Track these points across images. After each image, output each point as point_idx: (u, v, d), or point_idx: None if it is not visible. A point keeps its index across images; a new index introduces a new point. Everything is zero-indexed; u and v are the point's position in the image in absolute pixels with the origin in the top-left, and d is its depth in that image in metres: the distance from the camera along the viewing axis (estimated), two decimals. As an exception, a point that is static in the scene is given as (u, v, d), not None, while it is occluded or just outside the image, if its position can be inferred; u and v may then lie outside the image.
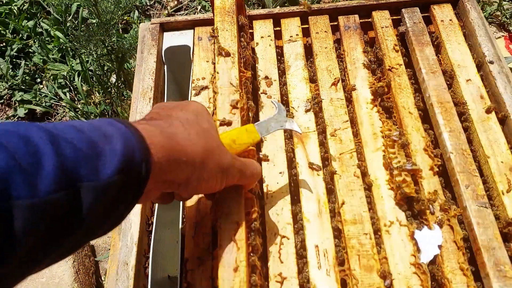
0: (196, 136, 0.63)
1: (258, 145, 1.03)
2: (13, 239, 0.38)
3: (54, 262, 0.48)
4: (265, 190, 0.96)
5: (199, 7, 2.50)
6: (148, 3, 2.55)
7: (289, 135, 1.05)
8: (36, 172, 0.40)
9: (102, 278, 1.69)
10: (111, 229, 0.54)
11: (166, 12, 2.52)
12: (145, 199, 0.62)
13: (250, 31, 1.24)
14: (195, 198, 0.95)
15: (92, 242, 1.77)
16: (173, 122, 0.63)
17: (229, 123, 0.86)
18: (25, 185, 0.39)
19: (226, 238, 0.71)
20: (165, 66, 1.26)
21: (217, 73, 0.94)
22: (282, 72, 1.18)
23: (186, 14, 2.49)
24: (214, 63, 0.97)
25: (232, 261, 0.69)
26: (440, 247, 0.86)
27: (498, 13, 2.15)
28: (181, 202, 0.99)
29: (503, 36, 2.12)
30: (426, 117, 1.07)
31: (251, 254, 0.77)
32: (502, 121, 1.02)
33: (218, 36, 1.00)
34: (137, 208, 0.96)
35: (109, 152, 0.47)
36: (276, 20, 1.27)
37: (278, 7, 2.10)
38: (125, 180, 0.48)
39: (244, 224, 0.73)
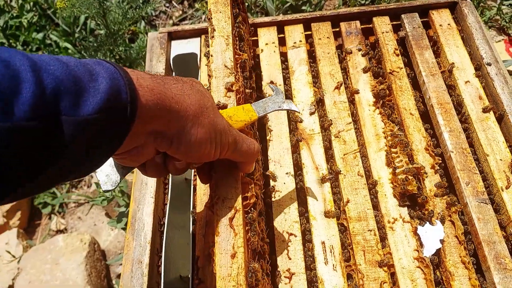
0: (190, 90, 0.61)
1: (265, 147, 1.07)
2: None
3: (38, 190, 0.47)
4: (272, 190, 1.00)
5: (203, 16, 2.55)
6: (153, 14, 2.62)
7: (295, 138, 1.09)
8: (13, 96, 0.39)
9: (113, 281, 1.73)
10: (93, 169, 0.53)
11: (171, 21, 2.58)
12: (139, 156, 0.60)
13: (255, 38, 1.29)
14: (204, 198, 0.99)
15: (103, 247, 1.80)
16: (166, 77, 0.61)
17: (224, 107, 0.83)
18: None
19: (222, 224, 0.69)
20: (174, 73, 1.30)
21: (211, 55, 0.91)
22: (286, 77, 1.23)
23: (191, 24, 2.55)
24: (208, 45, 0.93)
25: (229, 248, 0.67)
26: (442, 241, 0.89)
27: (498, 17, 2.19)
28: (191, 203, 1.03)
29: (503, 39, 2.16)
30: (427, 118, 1.11)
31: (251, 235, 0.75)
32: (500, 119, 1.05)
33: (212, 18, 0.97)
34: (150, 209, 1.00)
35: (92, 90, 0.46)
36: (280, 27, 1.31)
37: (281, 14, 2.15)
38: (108, 119, 0.47)
39: (241, 209, 0.71)
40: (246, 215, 0.76)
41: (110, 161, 0.66)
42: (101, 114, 0.46)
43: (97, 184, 1.43)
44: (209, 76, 0.89)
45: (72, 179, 0.52)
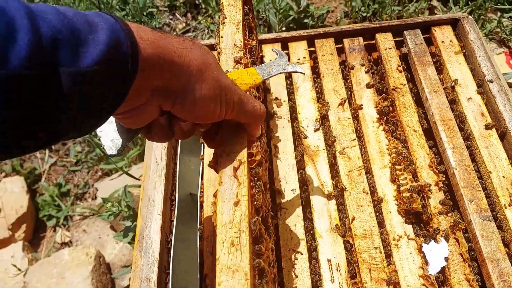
0: (192, 46, 0.59)
1: (270, 163, 1.08)
2: None
3: (36, 146, 0.45)
4: (278, 207, 1.01)
5: (206, 30, 2.58)
6: (157, 26, 2.65)
7: (300, 154, 1.10)
8: (8, 44, 0.38)
9: (118, 295, 1.74)
10: (95, 126, 0.52)
11: (175, 34, 2.61)
12: (143, 115, 0.58)
13: (260, 54, 1.31)
14: (211, 208, 1.00)
15: (108, 260, 1.81)
16: (167, 33, 0.58)
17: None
18: None
19: (227, 174, 0.66)
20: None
21: (221, 37, 0.92)
22: (290, 93, 1.24)
23: (194, 36, 2.58)
24: (219, 31, 0.95)
25: (233, 196, 0.63)
26: (446, 259, 0.90)
27: (498, 29, 2.21)
28: (198, 216, 1.04)
29: (503, 52, 2.18)
30: (431, 134, 1.12)
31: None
32: (502, 136, 1.07)
33: (223, 9, 0.98)
34: (157, 226, 1.01)
35: (92, 41, 0.44)
36: (284, 43, 1.33)
37: (284, 28, 2.17)
38: (108, 71, 0.46)
39: (246, 162, 0.67)
40: (251, 171, 0.73)
41: (115, 126, 0.66)
42: (101, 66, 0.44)
43: (104, 200, 1.44)
44: (219, 53, 0.89)
45: (73, 136, 0.50)
